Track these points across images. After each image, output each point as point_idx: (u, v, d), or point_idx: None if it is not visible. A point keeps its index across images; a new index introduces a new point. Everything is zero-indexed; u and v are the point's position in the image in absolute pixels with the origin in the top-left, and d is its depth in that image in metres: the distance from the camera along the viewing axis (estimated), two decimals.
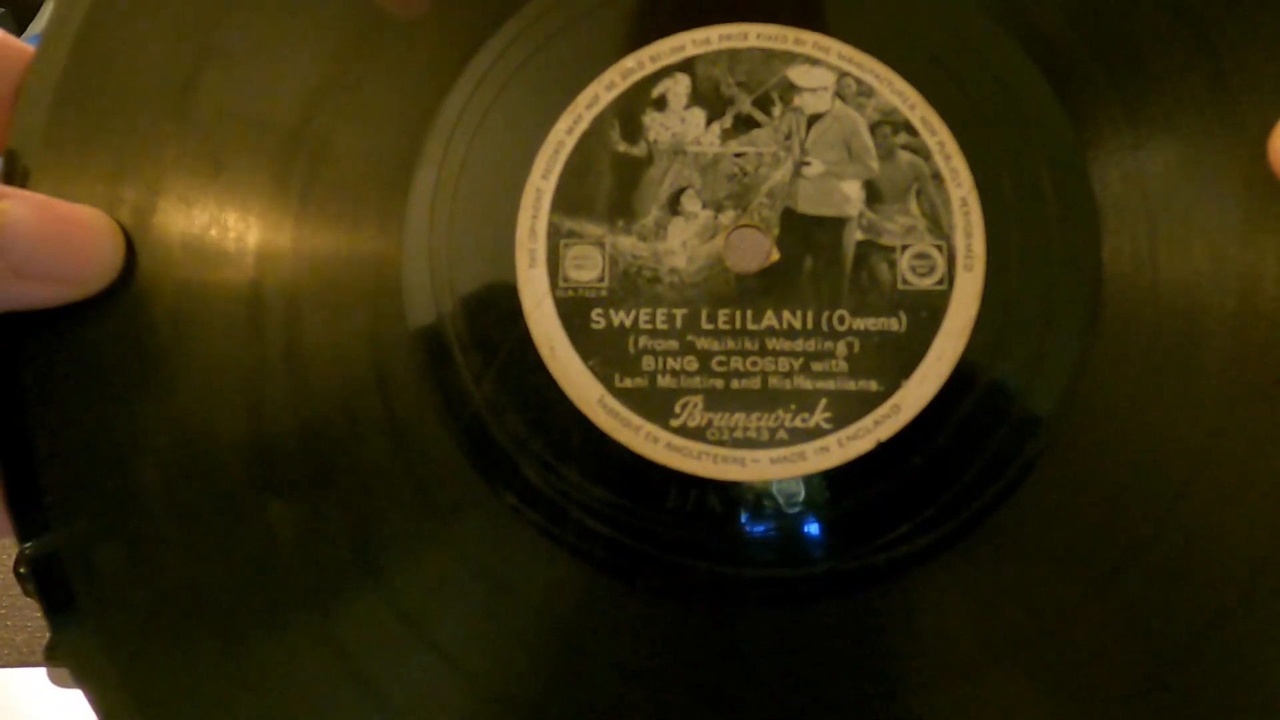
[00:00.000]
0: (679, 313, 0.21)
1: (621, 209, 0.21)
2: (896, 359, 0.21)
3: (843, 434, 0.20)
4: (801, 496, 0.20)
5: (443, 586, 0.21)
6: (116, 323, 0.21)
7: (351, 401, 0.21)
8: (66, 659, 0.22)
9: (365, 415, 0.21)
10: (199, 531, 0.21)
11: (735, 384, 0.21)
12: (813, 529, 0.20)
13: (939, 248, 0.21)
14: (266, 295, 0.21)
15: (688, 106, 0.21)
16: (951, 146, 0.21)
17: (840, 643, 0.20)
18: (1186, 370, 0.20)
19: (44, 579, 0.21)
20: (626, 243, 0.21)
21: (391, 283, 0.21)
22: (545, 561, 0.21)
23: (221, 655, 0.21)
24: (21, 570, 0.32)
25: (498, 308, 0.21)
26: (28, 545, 0.21)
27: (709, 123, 0.21)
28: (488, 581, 0.21)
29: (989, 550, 0.20)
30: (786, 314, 0.21)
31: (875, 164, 0.21)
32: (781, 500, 0.20)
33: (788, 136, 0.21)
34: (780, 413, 0.21)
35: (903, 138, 0.21)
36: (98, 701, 0.21)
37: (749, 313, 0.21)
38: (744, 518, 0.20)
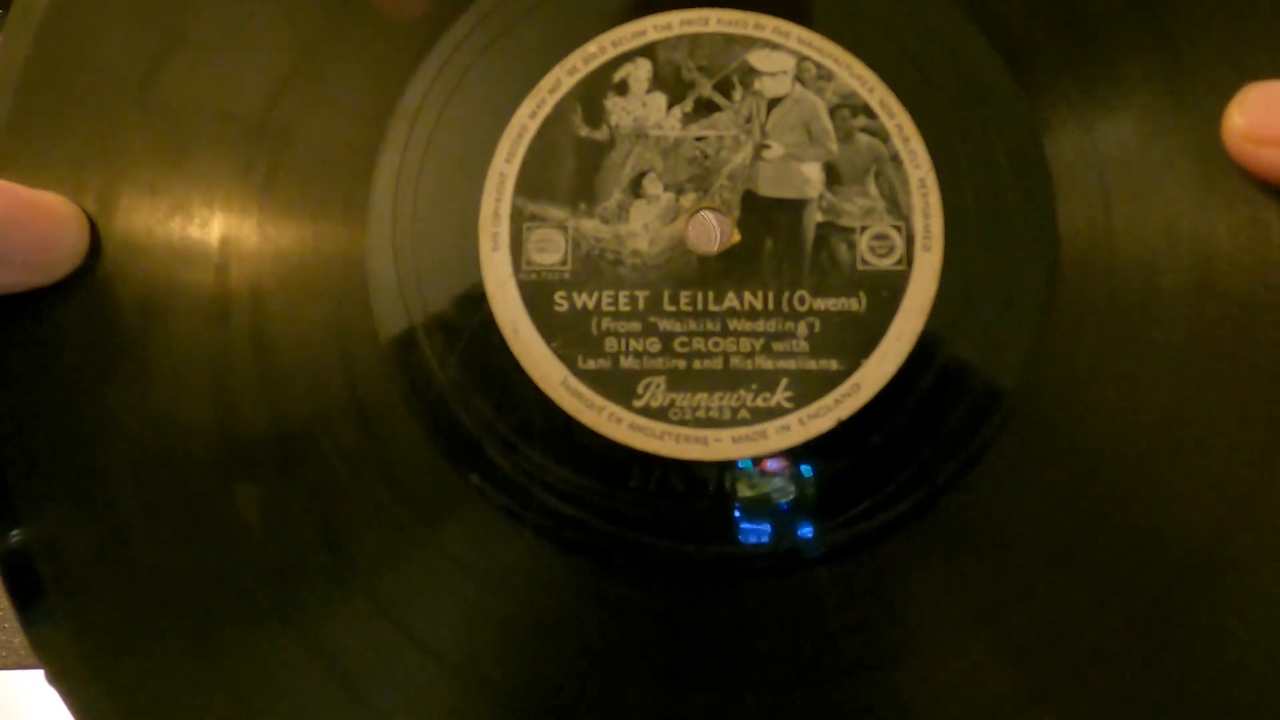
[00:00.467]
0: (641, 294, 0.21)
1: (584, 192, 0.21)
2: (857, 338, 0.21)
3: (804, 413, 0.21)
4: (792, 492, 0.20)
5: (408, 567, 0.21)
6: (82, 309, 0.21)
7: (317, 385, 0.21)
8: (40, 657, 0.22)
9: (331, 399, 0.21)
10: (168, 517, 0.21)
11: (697, 364, 0.21)
12: (775, 507, 0.21)
13: (898, 228, 0.21)
14: (233, 281, 0.21)
15: (649, 91, 0.22)
16: (910, 129, 0.21)
17: (803, 618, 0.20)
18: (1142, 345, 0.21)
19: (14, 574, 0.21)
20: (589, 225, 0.21)
21: (355, 267, 0.21)
22: (510, 541, 0.21)
23: (191, 638, 0.21)
24: None
25: (461, 291, 0.21)
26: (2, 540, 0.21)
27: (670, 107, 0.22)
28: (453, 562, 0.21)
29: (950, 525, 0.20)
30: (748, 295, 0.21)
31: (835, 146, 0.21)
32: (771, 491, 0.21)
33: (748, 120, 0.21)
34: (742, 392, 0.21)
35: (861, 120, 0.21)
36: (72, 698, 0.21)
37: (710, 294, 0.21)
38: (706, 496, 0.21)
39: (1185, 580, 0.20)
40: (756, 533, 0.21)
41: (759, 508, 0.21)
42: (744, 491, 0.21)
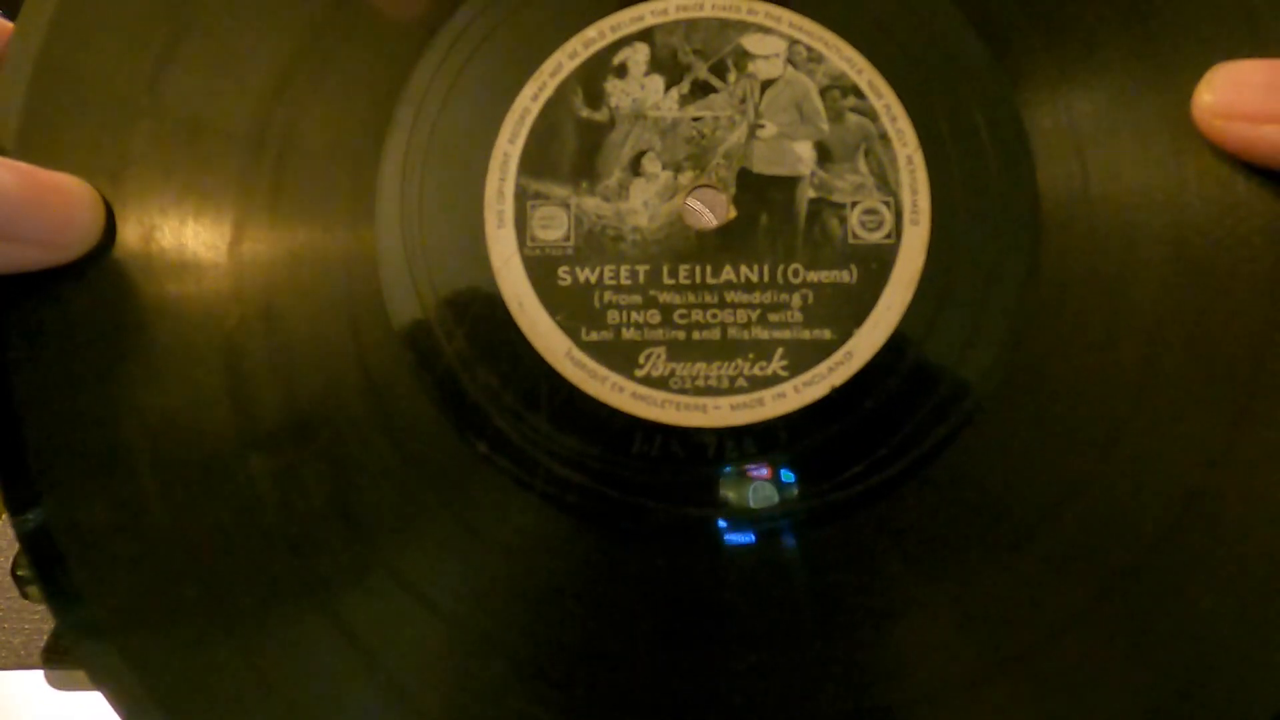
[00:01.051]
0: (642, 269, 0.22)
1: (585, 171, 0.22)
2: (848, 309, 0.22)
3: (799, 380, 0.21)
4: (775, 500, 0.21)
5: (419, 534, 0.22)
6: (98, 289, 0.22)
7: (329, 360, 0.22)
8: (63, 633, 0.22)
9: (342, 373, 0.22)
10: (184, 491, 0.22)
11: (696, 335, 0.22)
12: (772, 471, 0.21)
13: (887, 203, 0.22)
14: (245, 262, 0.22)
15: (647, 73, 0.22)
16: (897, 109, 0.22)
17: (798, 578, 0.21)
18: (1120, 312, 0.22)
19: (36, 551, 0.22)
20: (590, 203, 0.22)
21: (365, 246, 0.22)
22: (517, 507, 0.21)
23: (208, 607, 0.22)
24: (19, 573, 0.33)
25: (468, 267, 0.22)
26: (22, 519, 0.22)
27: (668, 88, 0.22)
28: (462, 527, 0.22)
29: (938, 487, 0.21)
30: (744, 268, 0.22)
31: (825, 126, 0.22)
32: (754, 501, 0.21)
33: (742, 101, 0.22)
34: (739, 361, 0.22)
35: (851, 101, 0.22)
36: (94, 669, 0.22)
37: (708, 267, 0.22)
38: (705, 462, 0.21)
39: (1156, 551, 0.21)
40: (753, 498, 0.21)
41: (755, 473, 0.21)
42: (742, 457, 0.21)
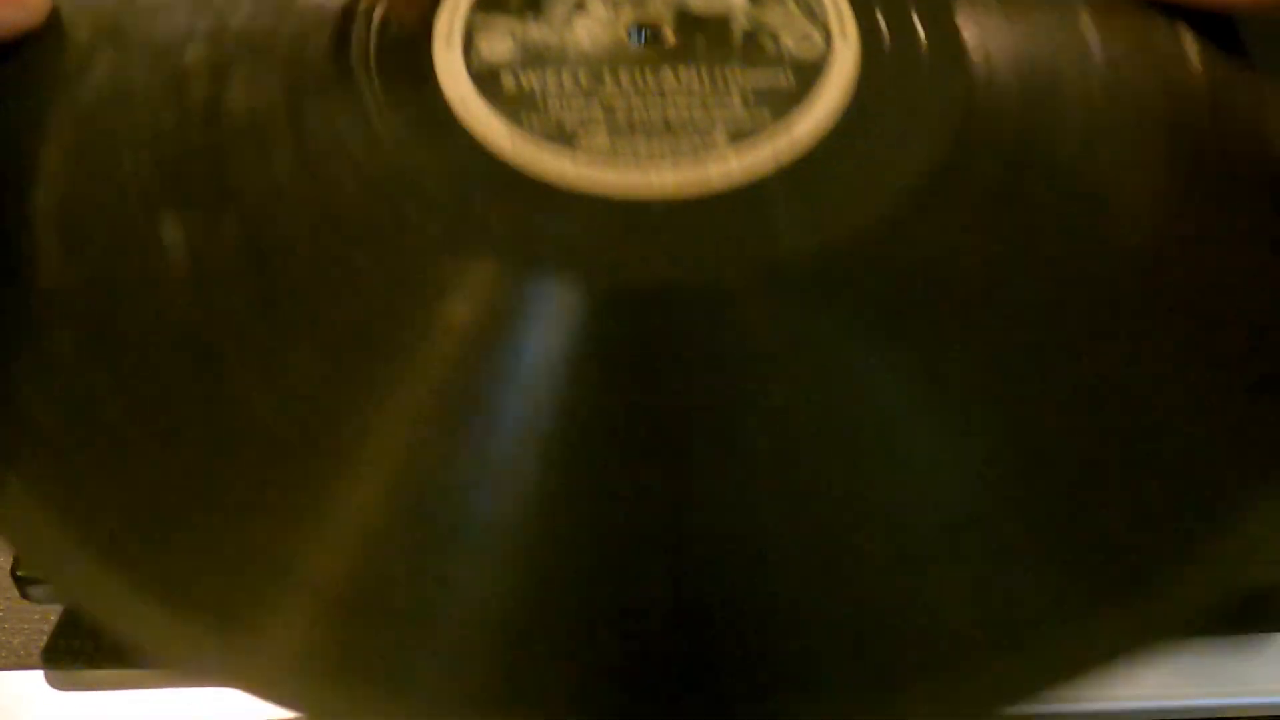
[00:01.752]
0: (584, 74, 0.22)
1: (532, 8, 0.23)
2: (788, 102, 0.22)
3: (740, 147, 0.21)
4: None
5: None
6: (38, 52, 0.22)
7: (262, 130, 0.21)
8: None
9: (273, 137, 0.21)
10: (94, 248, 0.20)
11: (638, 117, 0.22)
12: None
13: (817, 30, 0.23)
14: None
15: None
16: None
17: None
18: (1052, 108, 0.22)
19: None
20: (536, 32, 0.23)
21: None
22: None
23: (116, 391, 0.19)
24: (19, 573, 0.31)
25: (411, 73, 0.22)
26: None
27: None
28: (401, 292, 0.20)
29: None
30: (683, 69, 0.22)
31: None
32: None
33: None
34: (680, 138, 0.21)
35: None
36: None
37: (648, 69, 0.22)
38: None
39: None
40: None
41: None
42: None
